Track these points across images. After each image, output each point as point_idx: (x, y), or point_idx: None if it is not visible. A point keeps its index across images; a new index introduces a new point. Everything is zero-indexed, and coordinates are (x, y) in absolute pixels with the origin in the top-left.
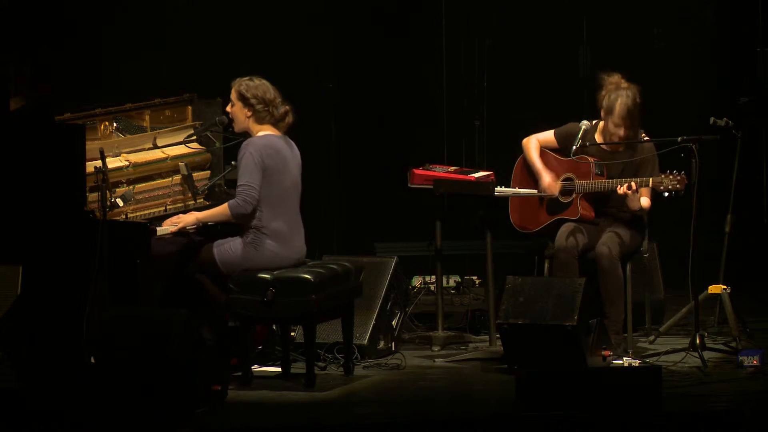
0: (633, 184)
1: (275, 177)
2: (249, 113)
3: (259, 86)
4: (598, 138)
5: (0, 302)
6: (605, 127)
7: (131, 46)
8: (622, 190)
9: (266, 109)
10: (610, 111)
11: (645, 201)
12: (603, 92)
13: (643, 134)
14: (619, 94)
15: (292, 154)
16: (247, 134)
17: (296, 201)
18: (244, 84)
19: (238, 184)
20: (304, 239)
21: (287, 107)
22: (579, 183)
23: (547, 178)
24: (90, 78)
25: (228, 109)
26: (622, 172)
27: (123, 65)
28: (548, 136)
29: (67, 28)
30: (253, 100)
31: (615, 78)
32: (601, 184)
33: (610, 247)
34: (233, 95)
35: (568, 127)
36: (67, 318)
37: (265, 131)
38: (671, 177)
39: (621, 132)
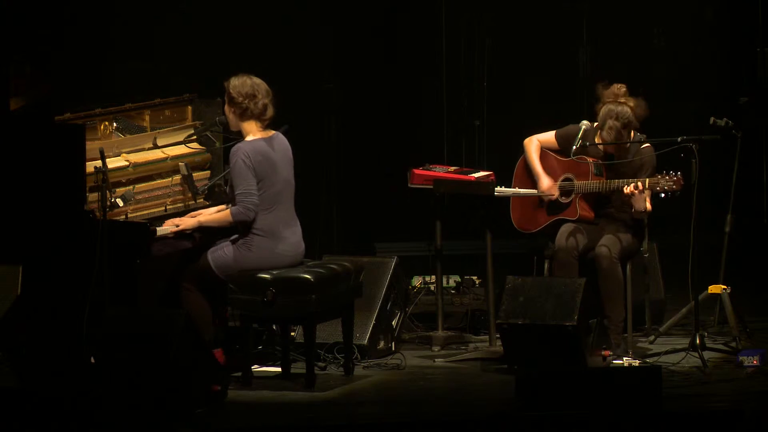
0: (639, 183)
1: (266, 181)
2: (232, 110)
3: (240, 83)
4: (598, 139)
5: (0, 302)
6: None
7: (131, 46)
8: (628, 189)
9: (244, 102)
10: (600, 127)
11: (647, 204)
12: (600, 103)
13: (643, 136)
14: (609, 114)
15: (280, 155)
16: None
17: (290, 199)
18: (230, 82)
19: (236, 192)
20: (300, 236)
21: (266, 101)
22: (578, 183)
23: (545, 182)
24: (90, 78)
25: (224, 109)
26: (621, 173)
27: (123, 65)
28: (549, 137)
29: (67, 28)
30: (233, 95)
31: (614, 88)
32: (600, 184)
33: (609, 248)
34: (225, 95)
35: (569, 128)
36: (67, 318)
37: (252, 132)
38: (667, 177)
39: (609, 150)
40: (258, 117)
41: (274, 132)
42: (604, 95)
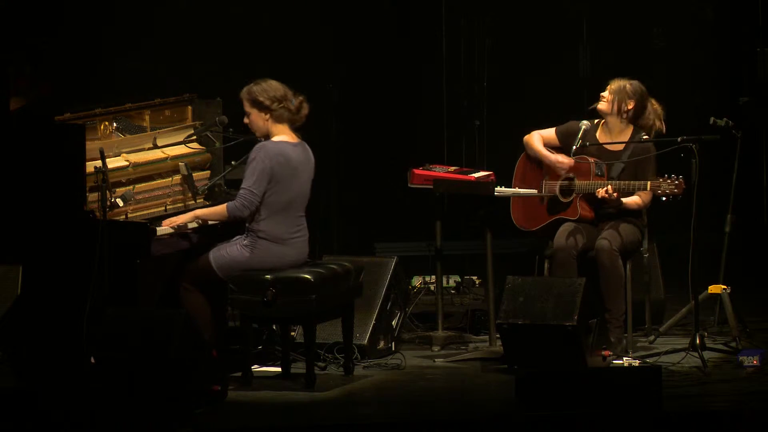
0: (609, 188)
1: (282, 185)
2: (267, 116)
3: (266, 87)
4: (599, 137)
5: (0, 302)
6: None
7: (131, 46)
8: (600, 193)
9: (282, 106)
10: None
11: (635, 198)
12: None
13: (644, 135)
14: (620, 79)
15: (304, 163)
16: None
17: (301, 207)
18: (254, 90)
19: (242, 186)
20: (306, 241)
21: (301, 98)
22: (579, 183)
23: (559, 156)
24: (90, 78)
25: (245, 121)
26: (621, 172)
27: (123, 65)
28: (550, 133)
29: (66, 27)
30: (267, 102)
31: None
32: (601, 185)
33: (610, 241)
34: (246, 105)
35: (570, 125)
36: (67, 318)
37: (281, 134)
38: (669, 181)
39: (602, 106)
40: (293, 117)
41: (300, 140)
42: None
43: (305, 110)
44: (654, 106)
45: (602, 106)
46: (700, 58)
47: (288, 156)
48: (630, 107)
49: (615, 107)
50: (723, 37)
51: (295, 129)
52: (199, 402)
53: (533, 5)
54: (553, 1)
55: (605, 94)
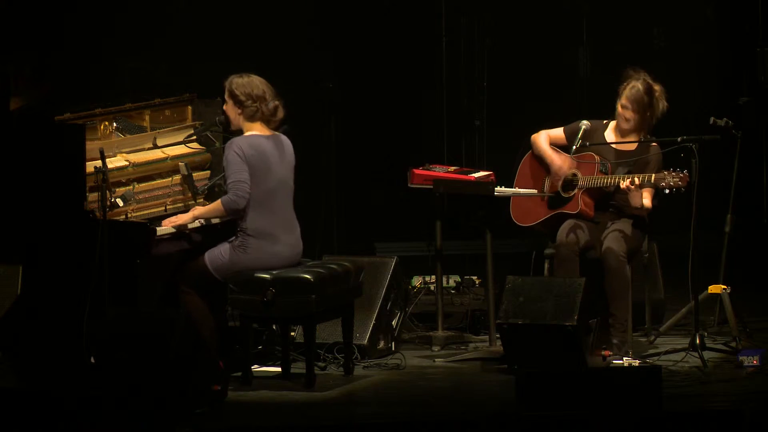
0: (636, 179)
1: (258, 177)
2: (239, 110)
3: (247, 83)
4: (608, 136)
5: (0, 302)
6: (617, 114)
7: (131, 46)
8: (624, 185)
9: (255, 105)
10: (620, 93)
11: (647, 201)
12: (623, 83)
13: (648, 135)
14: (632, 78)
15: (279, 154)
16: (241, 132)
17: (286, 200)
18: (234, 81)
19: (227, 182)
20: (299, 237)
21: (277, 102)
22: (583, 178)
23: (558, 160)
24: (90, 78)
25: (224, 107)
26: (627, 172)
27: (123, 65)
28: (558, 132)
29: (67, 28)
30: (242, 97)
31: (641, 73)
32: (603, 179)
33: (616, 246)
34: (225, 94)
35: (577, 124)
36: (67, 318)
37: (254, 130)
38: (673, 174)
39: (627, 114)
40: (268, 119)
41: (276, 132)
42: (629, 75)
43: (280, 114)
44: (656, 87)
45: (626, 125)
46: (700, 59)
47: (259, 147)
48: (653, 111)
49: (641, 119)
50: (723, 37)
51: (280, 125)
52: (199, 402)
53: (533, 5)
54: (553, 1)
55: (628, 114)
